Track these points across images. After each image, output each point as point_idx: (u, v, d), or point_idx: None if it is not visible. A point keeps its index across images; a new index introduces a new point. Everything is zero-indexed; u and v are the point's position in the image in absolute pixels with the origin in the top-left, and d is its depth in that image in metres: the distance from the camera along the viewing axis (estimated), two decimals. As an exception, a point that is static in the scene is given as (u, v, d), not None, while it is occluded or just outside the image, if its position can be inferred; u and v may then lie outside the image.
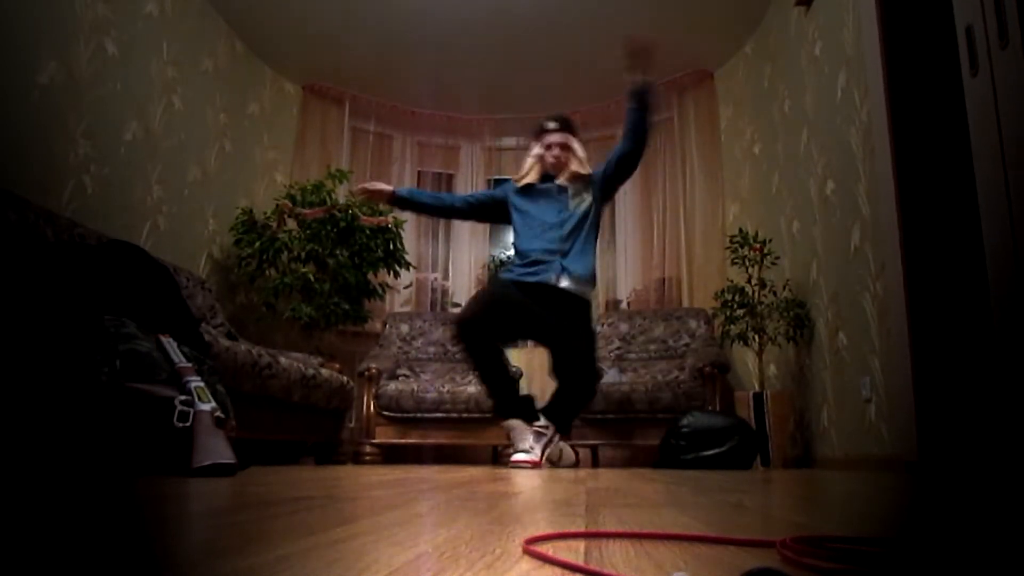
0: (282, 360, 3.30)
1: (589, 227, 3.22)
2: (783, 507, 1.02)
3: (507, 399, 3.13)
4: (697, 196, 5.15)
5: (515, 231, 3.27)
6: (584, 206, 3.22)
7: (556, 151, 3.25)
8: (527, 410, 3.11)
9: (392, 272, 4.88)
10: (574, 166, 3.25)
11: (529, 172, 3.30)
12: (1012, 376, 1.71)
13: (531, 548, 0.51)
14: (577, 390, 3.09)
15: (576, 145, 3.31)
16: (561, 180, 3.24)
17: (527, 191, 3.29)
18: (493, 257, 5.81)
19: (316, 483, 1.48)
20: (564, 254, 3.12)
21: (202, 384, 1.81)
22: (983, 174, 1.84)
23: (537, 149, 3.32)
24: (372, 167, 5.60)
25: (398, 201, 3.32)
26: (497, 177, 5.80)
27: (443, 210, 3.49)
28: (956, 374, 2.36)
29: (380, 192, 3.28)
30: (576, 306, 3.12)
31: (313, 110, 5.40)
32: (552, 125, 3.30)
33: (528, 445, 2.95)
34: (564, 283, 3.08)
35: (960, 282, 2.39)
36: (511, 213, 3.29)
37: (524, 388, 3.59)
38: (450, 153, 5.92)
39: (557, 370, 3.11)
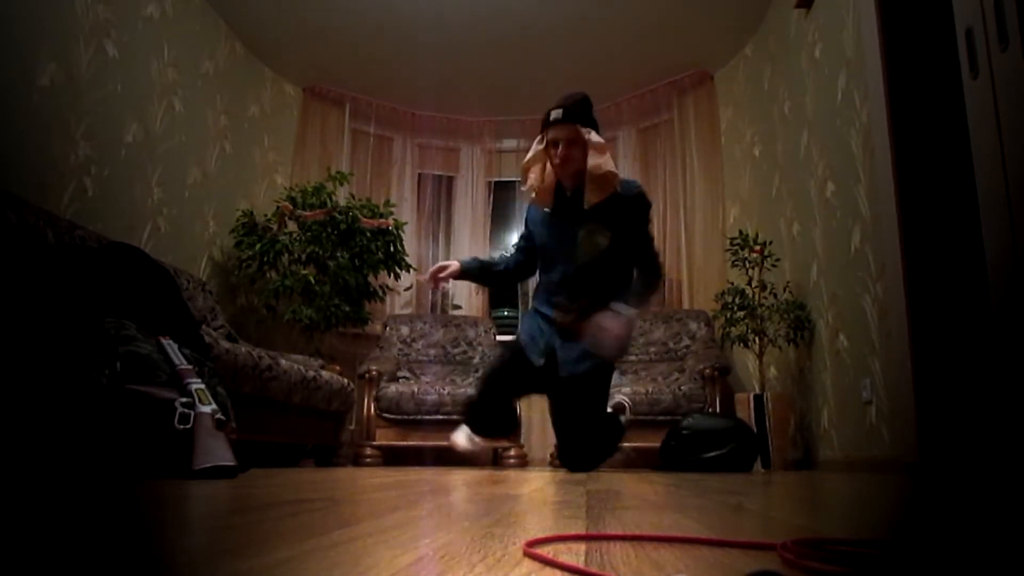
0: (282, 362, 3.30)
1: (610, 274, 2.68)
2: (783, 509, 1.02)
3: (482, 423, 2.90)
4: (697, 198, 5.16)
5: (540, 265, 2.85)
6: (600, 244, 2.62)
7: (561, 150, 2.59)
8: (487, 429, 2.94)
9: (392, 274, 4.89)
10: (592, 161, 2.57)
11: (538, 185, 2.72)
12: (1012, 377, 1.71)
13: (532, 551, 0.51)
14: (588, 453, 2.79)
15: (592, 136, 2.61)
16: (587, 199, 2.61)
17: (545, 221, 2.77)
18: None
19: (316, 485, 1.48)
20: (566, 326, 2.69)
21: (203, 386, 1.81)
22: (983, 176, 1.84)
23: (538, 147, 2.68)
24: (372, 169, 5.60)
25: (465, 275, 2.89)
26: (499, 180, 5.80)
27: (503, 279, 3.00)
28: (957, 376, 2.36)
29: (447, 272, 2.79)
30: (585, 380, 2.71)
31: (313, 112, 5.41)
32: (555, 115, 2.60)
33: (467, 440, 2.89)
34: (567, 372, 2.68)
35: (960, 284, 2.39)
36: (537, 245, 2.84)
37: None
38: (450, 155, 5.93)
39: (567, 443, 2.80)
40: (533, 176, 2.73)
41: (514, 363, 2.77)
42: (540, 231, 2.80)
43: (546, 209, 2.76)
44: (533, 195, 2.77)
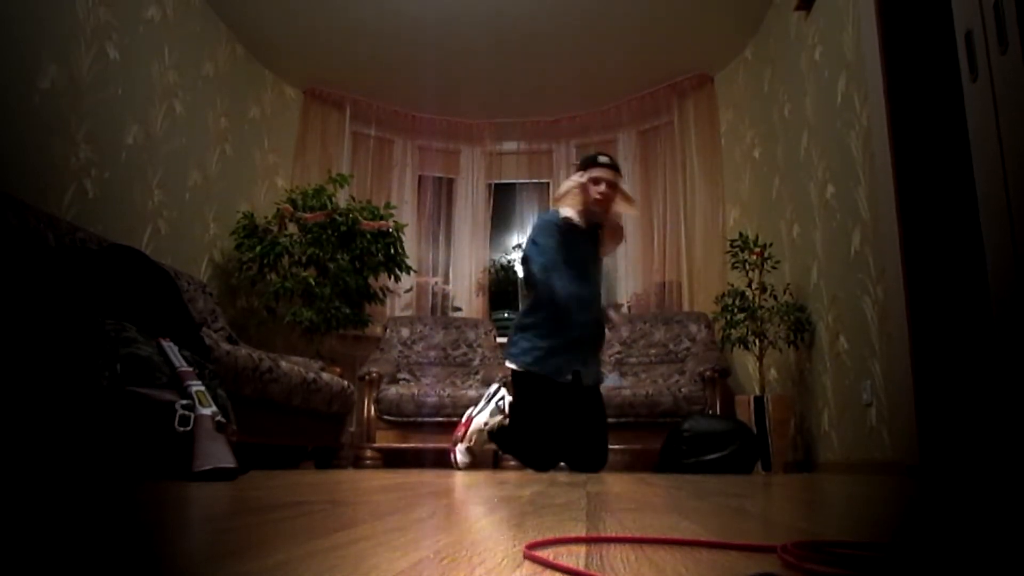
0: (283, 364, 3.30)
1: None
2: (784, 511, 1.02)
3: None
4: (697, 200, 5.16)
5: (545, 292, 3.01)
6: (600, 266, 3.20)
7: (603, 188, 3.01)
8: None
9: (393, 276, 4.89)
10: (621, 207, 3.09)
11: (570, 202, 3.07)
12: (1012, 379, 1.71)
13: (532, 553, 0.51)
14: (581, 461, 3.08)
15: (624, 186, 3.14)
16: (604, 245, 3.14)
17: (566, 237, 3.04)
18: (494, 261, 5.82)
19: (316, 487, 1.47)
20: (590, 341, 3.14)
21: (203, 388, 1.81)
22: (983, 178, 1.85)
23: (579, 178, 3.07)
24: (373, 171, 5.60)
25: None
26: (497, 182, 5.80)
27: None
28: (957, 378, 2.36)
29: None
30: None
31: (314, 114, 5.41)
32: (604, 160, 3.06)
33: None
34: (591, 380, 3.12)
35: (960, 286, 2.39)
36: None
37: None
38: (451, 157, 5.93)
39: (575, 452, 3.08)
40: (572, 203, 3.07)
41: (541, 394, 3.05)
42: (566, 249, 3.05)
43: (571, 229, 3.07)
44: (574, 216, 3.05)
